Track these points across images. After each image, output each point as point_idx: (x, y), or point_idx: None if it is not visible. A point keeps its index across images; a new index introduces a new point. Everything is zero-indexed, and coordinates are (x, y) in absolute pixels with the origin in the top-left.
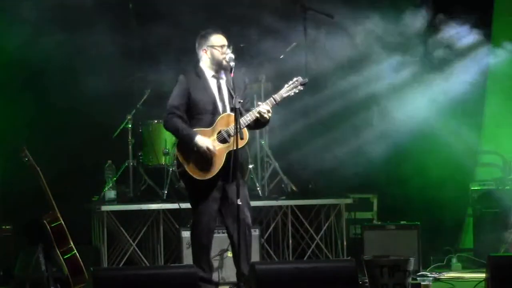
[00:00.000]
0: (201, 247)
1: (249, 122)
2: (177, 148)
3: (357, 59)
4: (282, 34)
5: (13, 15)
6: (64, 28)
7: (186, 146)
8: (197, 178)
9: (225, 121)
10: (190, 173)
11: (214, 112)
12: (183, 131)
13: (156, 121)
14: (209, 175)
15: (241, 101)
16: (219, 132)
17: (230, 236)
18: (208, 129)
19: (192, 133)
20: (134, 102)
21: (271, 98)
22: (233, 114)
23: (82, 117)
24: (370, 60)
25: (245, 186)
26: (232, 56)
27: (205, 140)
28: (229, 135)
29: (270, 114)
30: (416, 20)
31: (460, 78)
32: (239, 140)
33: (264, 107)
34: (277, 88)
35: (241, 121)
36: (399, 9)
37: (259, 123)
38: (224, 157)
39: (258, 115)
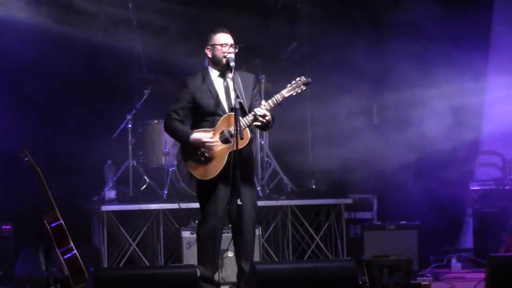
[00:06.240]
0: (204, 246)
1: (249, 123)
2: (180, 149)
3: None
4: None
5: None
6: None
7: (188, 147)
8: (200, 178)
9: (228, 121)
10: (193, 173)
11: (221, 114)
12: (179, 131)
13: (156, 121)
14: (211, 175)
15: (242, 100)
16: (222, 132)
17: (234, 235)
18: (211, 129)
19: (188, 131)
20: (134, 102)
21: (273, 98)
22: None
23: (82, 116)
24: None
25: (253, 185)
26: (232, 56)
27: (199, 134)
28: (231, 135)
29: (267, 118)
30: None
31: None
32: (240, 140)
33: (259, 111)
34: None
35: (242, 121)
36: None
37: (261, 125)
38: (226, 157)
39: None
